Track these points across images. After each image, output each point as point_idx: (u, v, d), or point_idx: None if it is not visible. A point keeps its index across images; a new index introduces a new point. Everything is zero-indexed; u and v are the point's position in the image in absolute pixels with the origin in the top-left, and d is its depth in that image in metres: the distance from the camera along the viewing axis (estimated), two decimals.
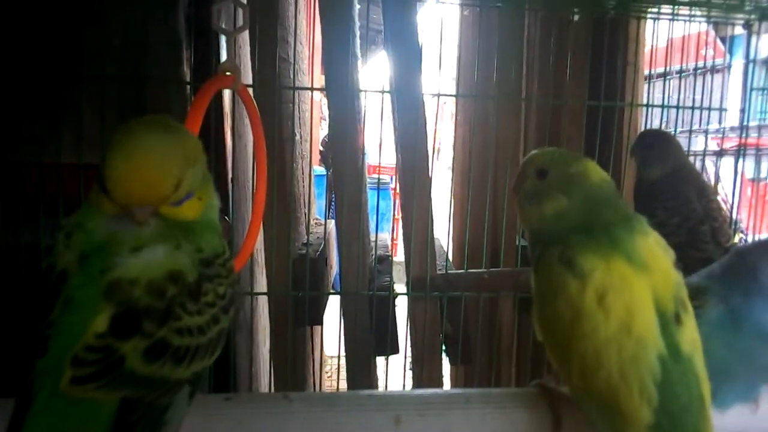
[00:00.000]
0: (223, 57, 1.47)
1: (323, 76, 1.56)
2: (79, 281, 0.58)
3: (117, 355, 0.55)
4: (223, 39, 1.47)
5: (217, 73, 1.26)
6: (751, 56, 1.49)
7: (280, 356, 1.57)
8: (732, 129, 1.67)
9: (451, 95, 1.58)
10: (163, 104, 1.37)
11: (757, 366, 0.73)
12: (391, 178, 5.85)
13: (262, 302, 1.63)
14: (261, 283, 1.60)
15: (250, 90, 1.38)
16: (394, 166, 1.58)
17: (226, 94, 1.45)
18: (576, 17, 1.52)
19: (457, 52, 1.73)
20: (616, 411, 0.63)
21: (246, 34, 1.52)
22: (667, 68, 1.71)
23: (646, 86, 1.69)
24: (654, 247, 0.69)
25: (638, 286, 0.65)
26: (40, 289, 0.61)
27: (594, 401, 0.66)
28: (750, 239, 1.83)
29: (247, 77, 1.50)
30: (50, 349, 0.56)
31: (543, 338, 0.72)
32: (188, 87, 1.39)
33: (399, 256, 1.75)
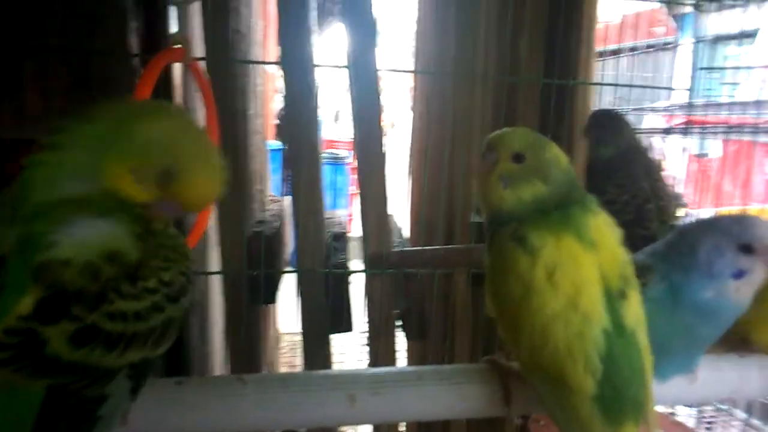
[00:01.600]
0: (173, 28, 1.42)
1: (278, 48, 1.53)
2: (15, 263, 0.55)
3: (39, 338, 0.52)
4: (173, 9, 1.42)
5: (167, 46, 1.22)
6: (700, 35, 1.52)
7: (235, 336, 1.56)
8: (680, 107, 1.73)
9: (407, 71, 1.57)
10: (110, 77, 1.32)
11: (696, 340, 0.76)
12: (349, 153, 5.82)
13: (215, 280, 1.61)
14: (214, 262, 1.58)
15: (202, 63, 1.34)
16: (351, 140, 1.57)
17: (177, 67, 1.40)
18: None
19: (415, 27, 1.72)
20: (563, 383, 0.65)
21: (197, 4, 1.47)
22: (620, 45, 1.74)
23: (600, 63, 1.71)
24: (603, 226, 0.71)
25: (586, 263, 0.67)
26: None
27: (542, 374, 0.68)
28: (694, 213, 1.91)
29: (199, 50, 1.45)
30: None
31: (495, 314, 0.73)
32: (136, 59, 1.34)
33: (356, 232, 1.75)
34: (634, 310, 0.68)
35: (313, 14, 1.59)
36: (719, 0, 1.40)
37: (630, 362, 0.66)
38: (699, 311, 0.74)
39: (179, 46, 1.07)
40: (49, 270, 0.54)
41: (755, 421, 1.58)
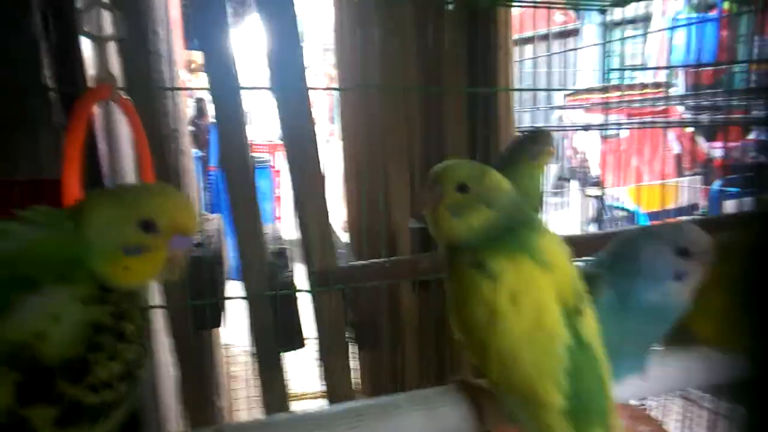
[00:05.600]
0: (86, 55, 1.35)
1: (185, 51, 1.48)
2: None
3: (30, 429, 0.51)
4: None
5: (93, 85, 1.16)
6: (605, 39, 1.62)
7: (184, 365, 1.52)
8: (593, 105, 1.83)
9: (336, 89, 1.57)
10: (27, 114, 1.25)
11: (645, 340, 0.83)
12: (270, 156, 5.72)
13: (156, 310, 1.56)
14: (154, 291, 1.53)
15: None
16: (268, 142, 1.56)
17: None
18: (450, 7, 1.57)
19: (337, 39, 1.72)
20: (534, 400, 0.69)
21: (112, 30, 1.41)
22: (530, 33, 1.81)
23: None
24: (553, 246, 0.75)
25: (543, 284, 0.71)
26: None
27: (513, 392, 0.72)
28: (611, 192, 2.04)
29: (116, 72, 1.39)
30: None
31: (461, 337, 0.76)
32: (52, 93, 1.28)
33: (286, 233, 1.75)
34: (590, 324, 0.73)
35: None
36: (623, 5, 1.49)
37: (593, 375, 0.71)
38: (646, 314, 0.80)
39: (106, 83, 1.03)
40: (23, 349, 0.51)
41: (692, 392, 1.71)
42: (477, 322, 0.71)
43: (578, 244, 0.79)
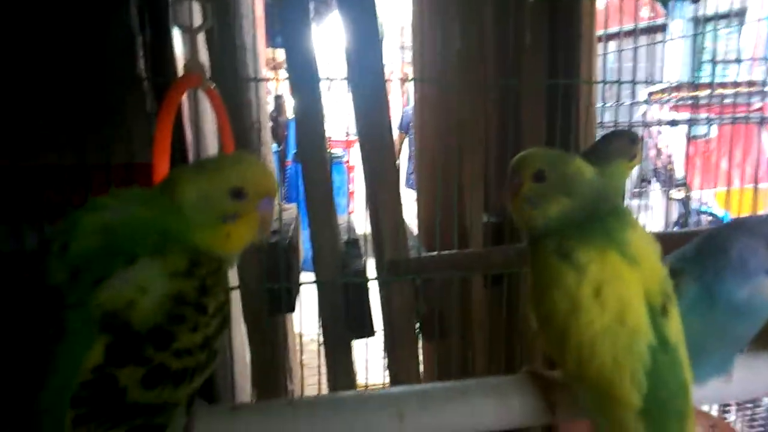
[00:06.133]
0: (177, 47, 1.42)
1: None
2: (71, 300, 0.56)
3: (118, 386, 0.54)
4: (176, 29, 1.42)
5: (175, 69, 1.22)
6: (689, 17, 1.54)
7: (257, 347, 1.57)
8: (681, 100, 1.75)
9: (414, 79, 1.58)
10: (119, 101, 1.33)
11: (731, 340, 0.78)
12: (344, 151, 5.81)
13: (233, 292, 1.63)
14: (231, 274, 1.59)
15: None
16: (345, 139, 1.57)
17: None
18: None
19: (415, 35, 1.73)
20: (609, 397, 0.67)
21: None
22: (609, 30, 1.75)
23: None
24: (642, 241, 0.72)
25: (630, 280, 0.68)
26: (33, 305, 0.58)
27: (588, 387, 0.70)
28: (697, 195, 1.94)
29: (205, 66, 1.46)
30: (49, 384, 0.54)
31: (539, 326, 0.75)
32: (146, 83, 1.35)
33: (360, 228, 1.77)
34: (675, 325, 0.70)
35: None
36: None
37: (674, 377, 0.68)
38: (734, 311, 0.75)
39: (195, 72, 1.08)
40: (112, 314, 0.55)
41: None
42: (557, 312, 0.69)
43: (663, 242, 0.76)
